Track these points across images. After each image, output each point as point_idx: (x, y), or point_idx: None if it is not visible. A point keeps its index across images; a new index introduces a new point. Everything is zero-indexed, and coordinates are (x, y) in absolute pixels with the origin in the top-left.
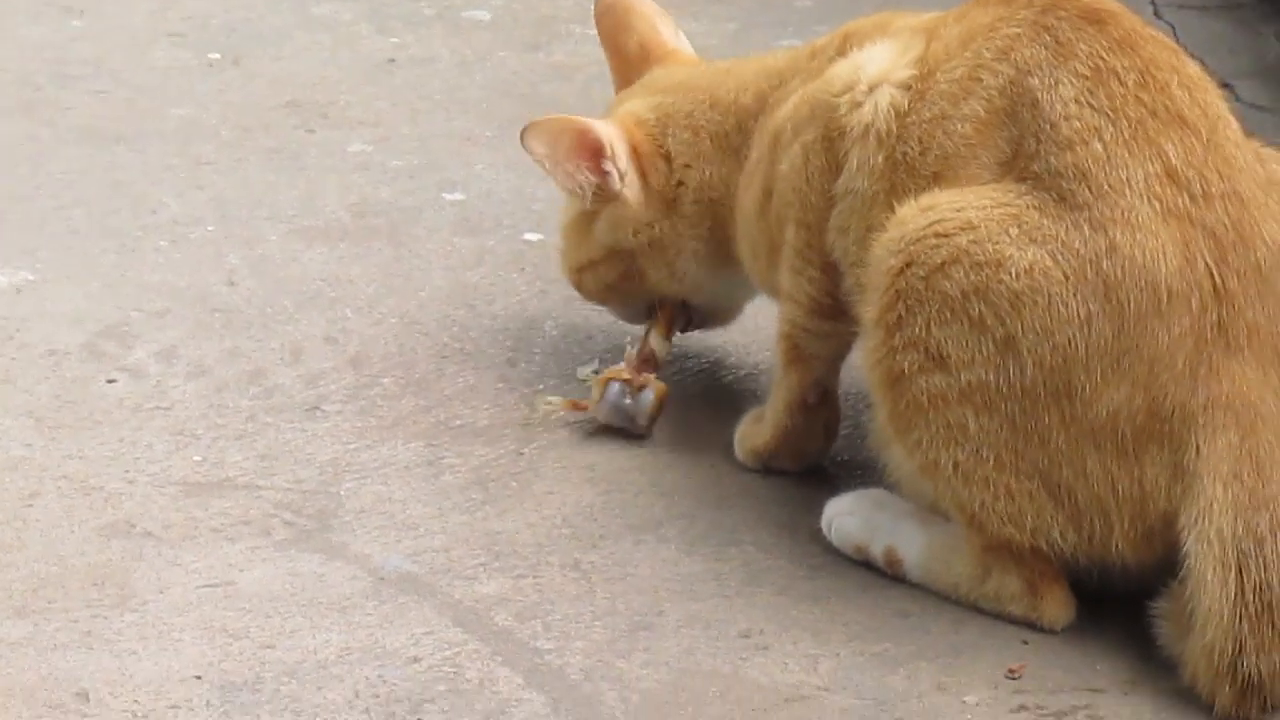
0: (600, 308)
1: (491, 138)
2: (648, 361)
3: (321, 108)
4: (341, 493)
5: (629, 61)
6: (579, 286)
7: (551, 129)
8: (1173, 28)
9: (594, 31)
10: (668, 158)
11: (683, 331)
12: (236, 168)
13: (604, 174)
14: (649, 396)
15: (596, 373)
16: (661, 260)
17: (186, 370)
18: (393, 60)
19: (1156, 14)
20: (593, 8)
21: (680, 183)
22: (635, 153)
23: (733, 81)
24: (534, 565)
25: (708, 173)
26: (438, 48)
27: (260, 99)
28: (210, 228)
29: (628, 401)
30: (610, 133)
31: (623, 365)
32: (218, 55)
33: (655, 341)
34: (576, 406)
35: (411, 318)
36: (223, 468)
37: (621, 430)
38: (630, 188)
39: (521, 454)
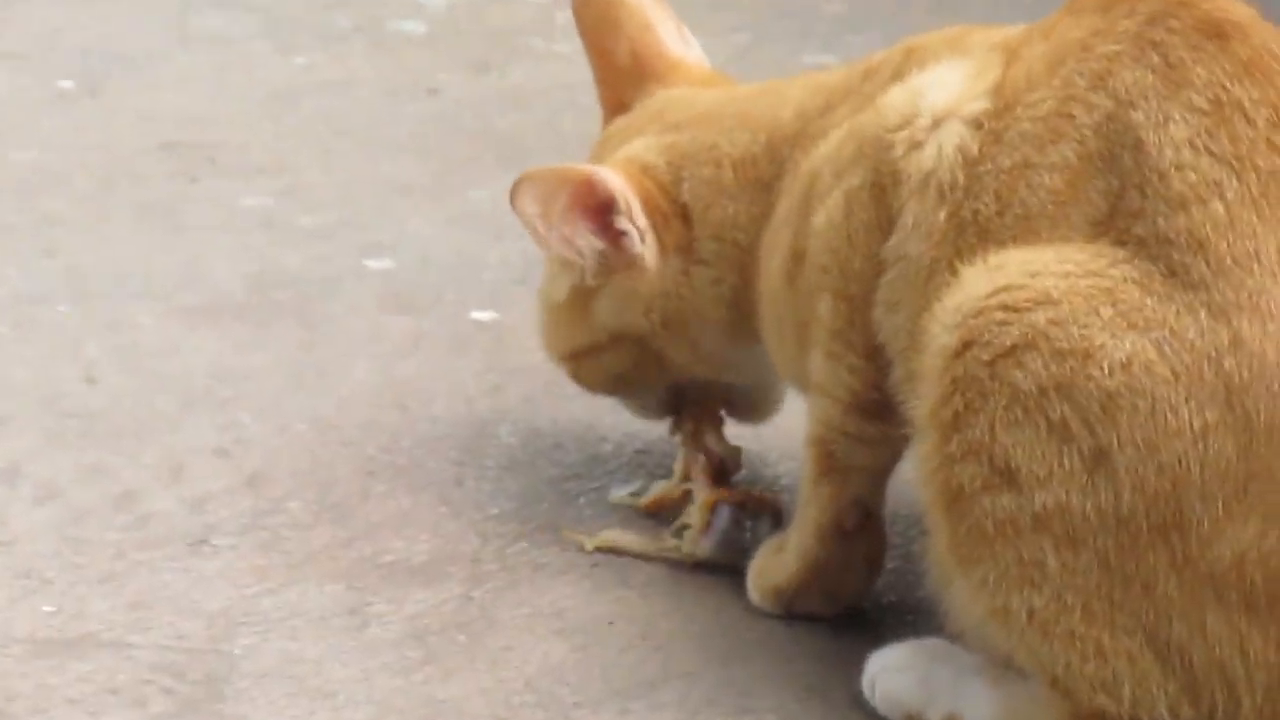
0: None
1: (429, 187)
2: (720, 472)
3: (207, 150)
4: (236, 651)
5: (618, 72)
6: (574, 376)
7: (548, 181)
8: None
9: (559, 47)
10: (684, 214)
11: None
12: (97, 228)
13: (614, 235)
14: (767, 524)
15: (636, 494)
16: (683, 338)
17: (33, 494)
18: (299, 88)
19: None
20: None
21: (700, 233)
22: (646, 207)
23: (771, 98)
24: None
25: (730, 210)
26: (358, 70)
27: (127, 139)
28: (63, 308)
29: (747, 535)
30: (620, 182)
31: (703, 482)
32: (70, 83)
33: (715, 443)
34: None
35: (327, 423)
36: (83, 620)
37: (723, 567)
38: (650, 250)
39: (471, 598)
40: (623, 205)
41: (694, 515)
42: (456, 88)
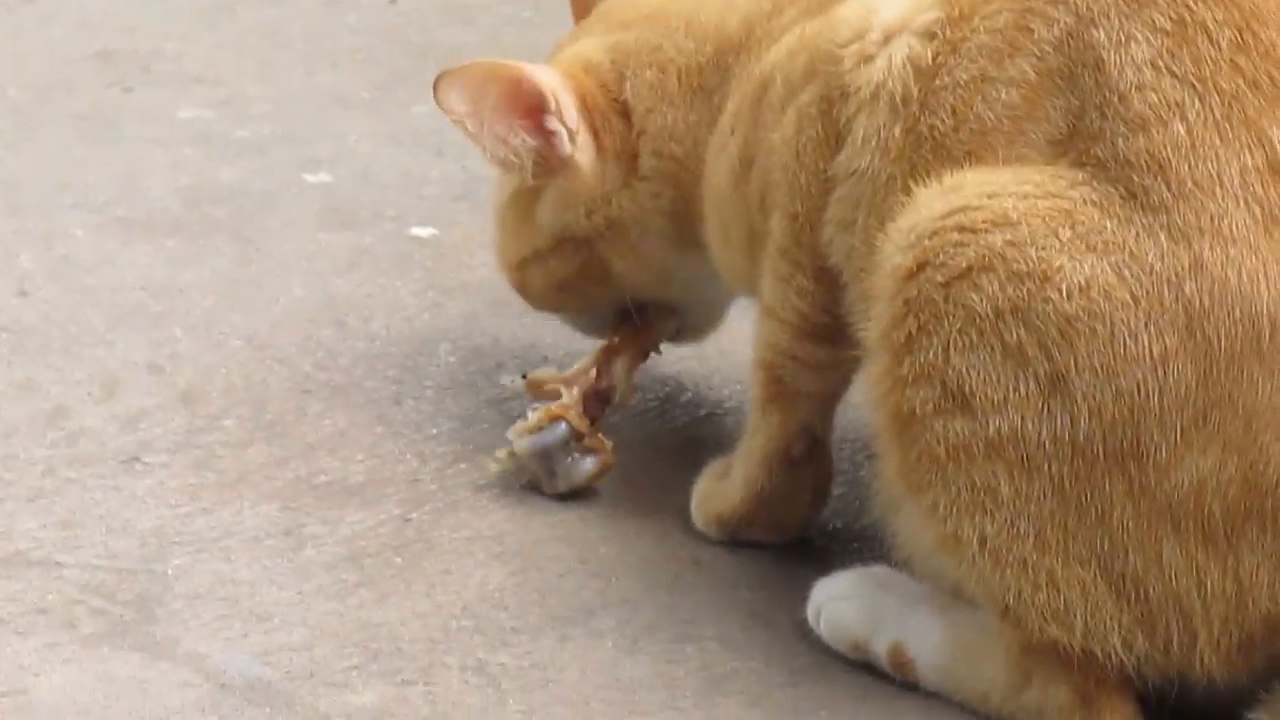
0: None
1: (369, 100)
2: (600, 398)
3: (143, 59)
4: (169, 572)
5: None
6: (522, 288)
7: (474, 78)
8: None
9: None
10: (625, 112)
11: (670, 341)
12: (29, 140)
13: (547, 134)
14: (588, 466)
15: (523, 377)
16: (625, 245)
17: None
18: None
19: None
20: None
21: (640, 133)
22: (585, 106)
23: (718, 3)
24: (425, 668)
25: (669, 118)
26: None
27: (61, 47)
28: None
29: (568, 459)
30: (552, 80)
31: (571, 400)
32: None
33: (620, 372)
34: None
35: (263, 340)
36: (10, 539)
37: (526, 481)
38: (582, 150)
39: (408, 520)
40: (551, 104)
41: (535, 415)
42: None
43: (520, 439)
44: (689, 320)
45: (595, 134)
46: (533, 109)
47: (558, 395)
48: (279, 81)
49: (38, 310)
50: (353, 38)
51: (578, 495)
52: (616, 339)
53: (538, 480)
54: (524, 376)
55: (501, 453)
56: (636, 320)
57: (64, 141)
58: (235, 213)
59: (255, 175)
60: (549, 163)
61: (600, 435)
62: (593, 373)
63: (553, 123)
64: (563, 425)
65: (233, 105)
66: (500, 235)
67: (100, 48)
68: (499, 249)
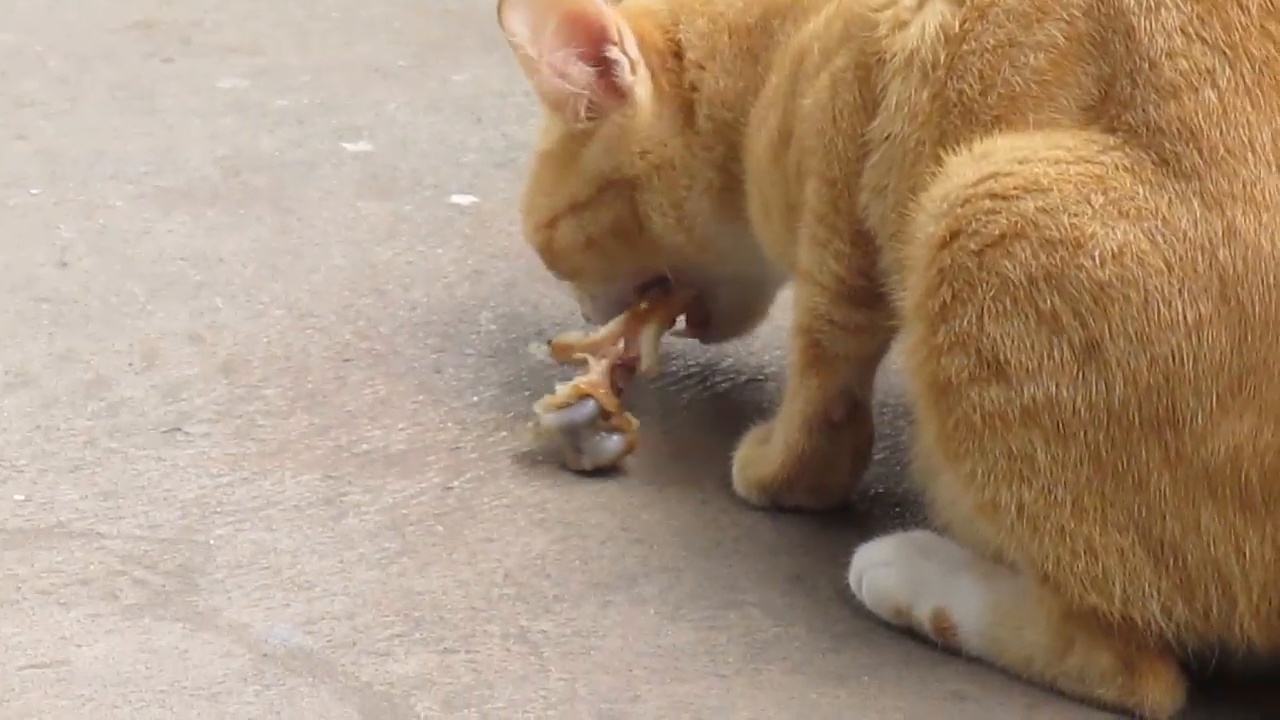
0: (565, 287)
1: (407, 69)
2: (626, 368)
3: (182, 30)
4: (211, 542)
5: None
6: (547, 246)
7: (537, 5)
8: None
9: None
10: (679, 53)
11: (703, 339)
12: (70, 111)
13: (608, 64)
14: (614, 444)
15: (549, 343)
16: (670, 199)
17: (3, 380)
18: None
19: None
20: None
21: (694, 86)
22: (644, 46)
23: None
24: (467, 637)
25: (721, 83)
26: None
27: (100, 18)
28: (35, 190)
29: (595, 437)
30: (614, 13)
31: (599, 376)
32: None
33: (645, 342)
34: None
35: (303, 309)
36: (53, 510)
37: (550, 454)
38: (642, 83)
39: (450, 489)
40: (614, 34)
41: (564, 390)
42: None
43: (547, 414)
44: (720, 304)
45: (653, 73)
46: (594, 40)
47: (584, 362)
48: (317, 51)
49: (78, 281)
50: (390, 6)
51: (604, 471)
52: (644, 305)
53: (563, 455)
54: (549, 342)
55: (529, 424)
56: (662, 288)
57: (103, 112)
58: (274, 182)
59: (294, 145)
60: (604, 98)
61: (627, 414)
62: (621, 343)
63: (614, 52)
64: (590, 403)
65: (271, 75)
66: (534, 189)
67: (139, 18)
68: (530, 206)
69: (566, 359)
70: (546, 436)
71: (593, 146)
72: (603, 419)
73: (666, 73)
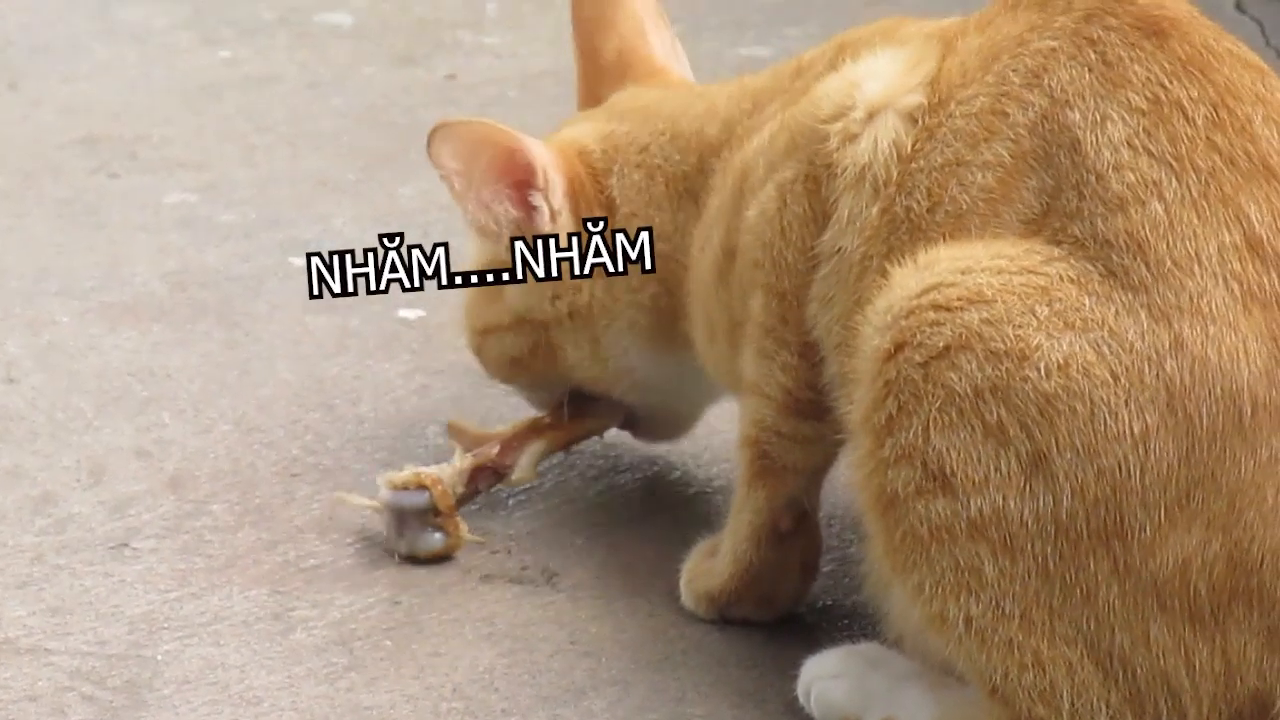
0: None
1: (355, 182)
2: (495, 473)
3: (128, 145)
4: (159, 657)
5: (601, 71)
6: (479, 355)
7: (471, 136)
8: (1261, 25)
9: (489, 39)
10: (610, 205)
11: (636, 437)
12: (15, 226)
13: (530, 208)
14: (434, 541)
15: (448, 423)
16: (585, 335)
17: None
18: (221, 81)
19: (1239, 8)
20: None
21: (623, 230)
22: (572, 191)
23: (700, 107)
24: None
25: (657, 221)
26: (282, 63)
27: (46, 133)
28: None
29: (418, 528)
30: (545, 156)
31: (451, 470)
32: None
33: (526, 455)
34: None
35: (250, 424)
36: (0, 626)
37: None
38: (561, 231)
39: (398, 603)
40: (541, 180)
41: (406, 474)
42: (381, 81)
43: (383, 490)
44: (643, 422)
45: (577, 219)
46: (521, 181)
47: (479, 443)
48: (264, 164)
49: (24, 397)
50: (337, 120)
51: (577, 564)
52: (546, 418)
53: (385, 535)
54: (449, 422)
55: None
56: (570, 410)
57: (48, 227)
58: (221, 297)
59: (241, 259)
60: (524, 236)
61: (459, 518)
62: (496, 448)
63: (538, 199)
64: (425, 495)
65: (217, 189)
66: (468, 298)
67: (85, 133)
68: (465, 312)
69: (461, 439)
70: (378, 509)
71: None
72: (433, 514)
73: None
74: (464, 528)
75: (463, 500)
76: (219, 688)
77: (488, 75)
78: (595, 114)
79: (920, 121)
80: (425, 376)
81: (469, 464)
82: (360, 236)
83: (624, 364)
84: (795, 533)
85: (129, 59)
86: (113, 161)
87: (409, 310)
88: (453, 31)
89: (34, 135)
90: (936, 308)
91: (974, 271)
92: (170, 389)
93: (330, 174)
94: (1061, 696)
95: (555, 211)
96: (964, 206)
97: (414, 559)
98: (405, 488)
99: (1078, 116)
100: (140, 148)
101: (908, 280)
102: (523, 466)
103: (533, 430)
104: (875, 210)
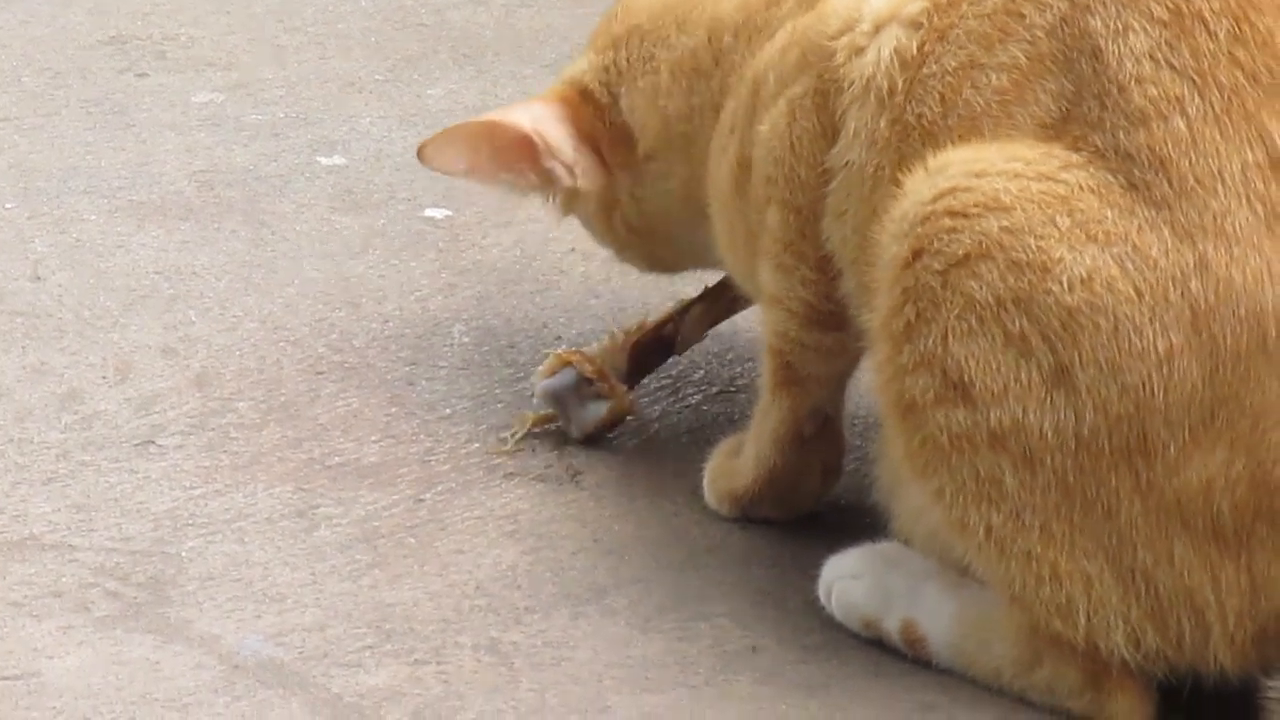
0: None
1: (381, 83)
2: (661, 345)
3: (156, 45)
4: (183, 554)
5: None
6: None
7: (460, 140)
8: None
9: None
10: (626, 134)
11: None
12: (44, 126)
13: (546, 174)
14: (598, 411)
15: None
16: (656, 239)
17: None
18: None
19: None
20: None
21: (641, 143)
22: (580, 132)
23: None
24: (438, 648)
25: (670, 108)
26: None
27: (75, 33)
28: (9, 205)
29: (580, 406)
30: (540, 117)
31: (595, 349)
32: None
33: (691, 319)
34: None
35: (276, 322)
36: (25, 522)
37: (550, 426)
38: (585, 177)
39: (421, 500)
40: (540, 146)
41: (548, 359)
42: None
43: (534, 383)
44: None
45: (598, 153)
46: (525, 154)
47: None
48: (292, 65)
49: (51, 295)
50: (365, 21)
51: (602, 465)
52: (690, 306)
53: (562, 425)
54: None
55: (508, 433)
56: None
57: (77, 127)
58: (248, 196)
59: (268, 159)
60: (563, 196)
61: (615, 382)
62: (647, 321)
63: (549, 162)
64: (570, 371)
65: (246, 89)
66: (599, 240)
67: (113, 33)
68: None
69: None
70: (543, 405)
71: (583, 218)
72: (586, 385)
73: (614, 153)
74: (622, 388)
75: (631, 378)
76: (243, 584)
77: None
78: (594, 42)
79: (927, 24)
80: (451, 275)
81: (621, 341)
82: (387, 136)
83: (705, 245)
84: (818, 436)
85: None
86: (141, 61)
87: (435, 210)
88: None
89: (63, 35)
90: (953, 214)
91: (988, 175)
92: (197, 287)
93: (358, 74)
94: (1078, 611)
95: (569, 165)
96: (977, 109)
97: (591, 438)
98: (551, 374)
99: (1099, 23)
100: (169, 47)
101: (920, 186)
102: (689, 326)
103: (701, 300)
104: (884, 122)
